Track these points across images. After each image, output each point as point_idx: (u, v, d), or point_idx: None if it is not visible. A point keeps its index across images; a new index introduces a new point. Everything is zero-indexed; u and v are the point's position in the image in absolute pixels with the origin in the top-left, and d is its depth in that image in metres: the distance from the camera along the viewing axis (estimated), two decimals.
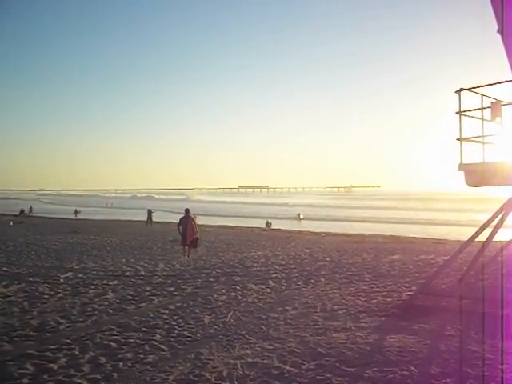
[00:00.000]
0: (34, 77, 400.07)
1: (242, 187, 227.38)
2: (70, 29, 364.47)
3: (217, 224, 38.28)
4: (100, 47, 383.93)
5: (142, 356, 6.55)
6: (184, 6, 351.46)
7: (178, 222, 18.43)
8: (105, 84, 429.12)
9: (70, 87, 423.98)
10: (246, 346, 6.92)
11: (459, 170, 8.98)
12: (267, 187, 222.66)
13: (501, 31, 8.50)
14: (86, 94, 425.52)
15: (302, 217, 48.79)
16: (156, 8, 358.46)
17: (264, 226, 37.21)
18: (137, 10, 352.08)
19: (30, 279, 12.49)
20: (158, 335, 7.55)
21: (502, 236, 10.08)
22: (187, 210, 18.09)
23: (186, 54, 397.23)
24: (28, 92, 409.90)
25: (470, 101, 9.06)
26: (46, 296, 10.50)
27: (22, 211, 50.33)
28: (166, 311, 9.12)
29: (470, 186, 9.11)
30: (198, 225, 27.19)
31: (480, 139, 9.04)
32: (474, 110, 9.00)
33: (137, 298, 10.29)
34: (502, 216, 9.13)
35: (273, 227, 36.70)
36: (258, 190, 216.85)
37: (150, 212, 37.32)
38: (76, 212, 56.02)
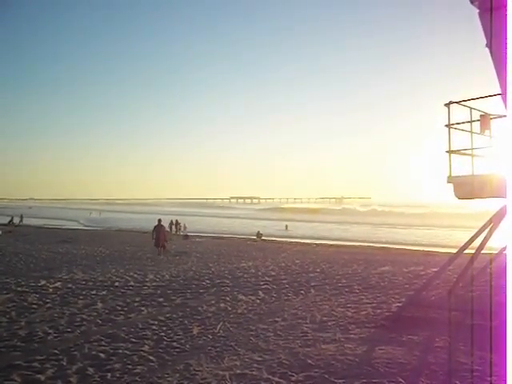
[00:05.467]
0: (27, 85, 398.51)
1: (233, 197, 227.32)
2: (65, 34, 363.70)
3: (207, 235, 38.23)
4: (98, 58, 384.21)
5: (130, 367, 6.50)
6: (187, 12, 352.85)
7: (152, 229, 23.00)
8: (99, 92, 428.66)
9: (62, 95, 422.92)
10: (235, 358, 6.90)
11: (448, 182, 9.04)
12: (258, 198, 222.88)
13: (489, 45, 8.64)
14: (79, 103, 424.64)
15: (289, 228, 48.95)
16: (158, 19, 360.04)
17: (255, 236, 37.16)
18: (137, 16, 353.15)
19: (19, 289, 12.38)
20: (146, 346, 7.50)
21: (490, 248, 10.15)
22: (159, 220, 23.15)
23: (184, 65, 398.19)
24: (20, 100, 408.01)
25: (459, 114, 9.16)
26: (34, 306, 10.41)
27: (10, 221, 49.69)
28: (155, 322, 9.07)
29: (458, 198, 9.16)
30: (188, 235, 29.41)
31: (469, 152, 9.13)
32: (463, 122, 9.09)
33: (126, 309, 10.23)
34: (491, 228, 9.21)
35: (263, 238, 36.64)
36: (249, 200, 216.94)
37: (177, 222, 41.07)
38: None
